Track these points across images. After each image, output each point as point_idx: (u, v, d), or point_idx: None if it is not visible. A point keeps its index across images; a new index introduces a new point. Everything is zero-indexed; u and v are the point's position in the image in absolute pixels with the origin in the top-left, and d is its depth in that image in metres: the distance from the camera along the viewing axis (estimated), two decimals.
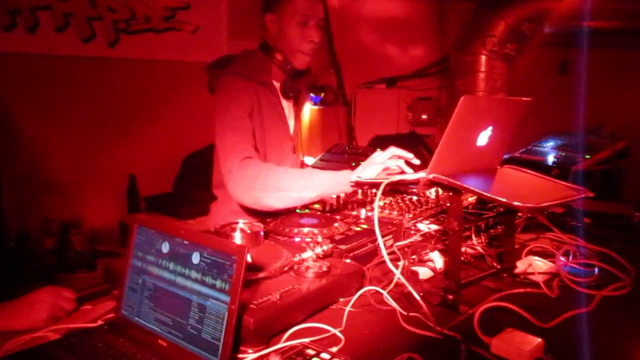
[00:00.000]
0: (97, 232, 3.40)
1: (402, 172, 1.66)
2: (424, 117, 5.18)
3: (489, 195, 1.22)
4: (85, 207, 3.35)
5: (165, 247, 1.15)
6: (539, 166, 3.22)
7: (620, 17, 3.78)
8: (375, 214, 1.32)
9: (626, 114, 3.98)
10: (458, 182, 1.24)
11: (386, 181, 1.38)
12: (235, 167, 1.81)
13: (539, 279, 1.45)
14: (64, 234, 2.98)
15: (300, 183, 1.76)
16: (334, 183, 1.75)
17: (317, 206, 2.03)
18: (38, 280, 2.53)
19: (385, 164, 1.68)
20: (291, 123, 2.18)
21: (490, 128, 1.39)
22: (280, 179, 1.77)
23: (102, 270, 1.53)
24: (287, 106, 2.14)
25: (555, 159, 3.55)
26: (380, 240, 1.27)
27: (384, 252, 1.27)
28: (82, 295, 1.41)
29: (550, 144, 3.78)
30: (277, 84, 2.09)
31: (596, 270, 1.52)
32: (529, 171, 1.54)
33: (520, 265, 1.54)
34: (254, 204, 1.85)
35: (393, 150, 1.68)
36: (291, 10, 1.92)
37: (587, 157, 3.46)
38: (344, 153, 3.64)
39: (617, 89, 4.22)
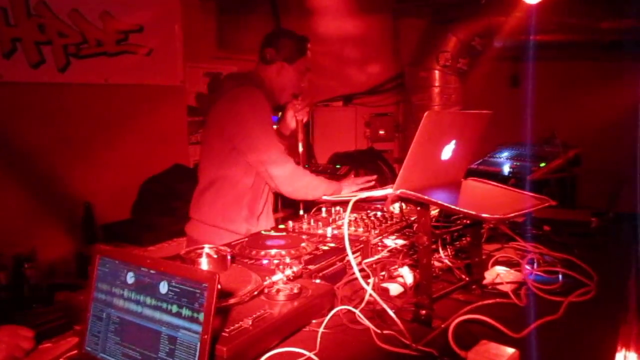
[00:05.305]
0: (52, 265, 3.26)
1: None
2: (382, 132, 5.25)
3: (457, 208, 1.23)
4: (39, 238, 3.21)
5: (131, 278, 1.10)
6: (496, 177, 3.30)
7: (564, 30, 3.95)
8: (345, 232, 1.31)
9: (575, 122, 4.13)
10: (426, 197, 1.24)
11: (355, 198, 1.38)
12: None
13: (507, 288, 1.47)
14: (18, 268, 2.85)
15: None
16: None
17: (282, 226, 2.02)
18: None
19: None
20: None
21: (453, 142, 1.41)
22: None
23: (60, 305, 1.46)
24: None
25: (511, 169, 3.64)
26: (351, 258, 1.26)
27: (356, 270, 1.26)
28: (41, 330, 1.34)
29: (505, 154, 3.87)
30: None
31: (560, 277, 1.55)
32: (492, 183, 1.57)
33: (488, 276, 1.56)
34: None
35: None
36: (303, 63, 2.39)
37: (542, 165, 3.56)
38: None
39: (565, 98, 4.39)
